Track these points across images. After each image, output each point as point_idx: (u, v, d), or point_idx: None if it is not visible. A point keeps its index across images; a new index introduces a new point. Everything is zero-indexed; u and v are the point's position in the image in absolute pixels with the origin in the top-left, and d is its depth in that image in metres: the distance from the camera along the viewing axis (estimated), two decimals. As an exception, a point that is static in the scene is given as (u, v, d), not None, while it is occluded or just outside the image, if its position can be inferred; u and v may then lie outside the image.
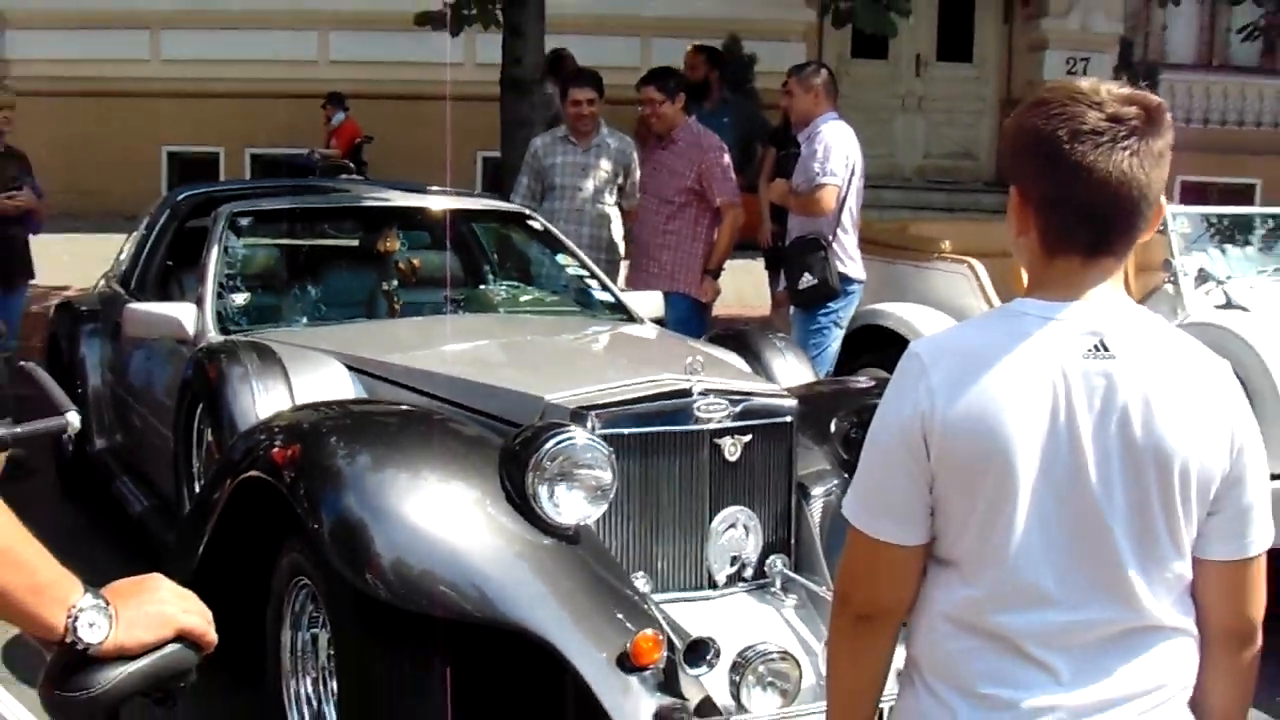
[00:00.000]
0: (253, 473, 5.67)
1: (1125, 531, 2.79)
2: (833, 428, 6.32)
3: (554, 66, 13.99)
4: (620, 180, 10.67)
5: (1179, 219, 9.10)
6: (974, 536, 2.82)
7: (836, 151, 9.92)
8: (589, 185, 10.54)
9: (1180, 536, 2.82)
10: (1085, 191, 2.76)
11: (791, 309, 10.54)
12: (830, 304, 10.03)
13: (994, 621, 2.82)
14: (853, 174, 10.06)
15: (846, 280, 10.05)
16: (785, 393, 6.27)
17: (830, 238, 9.98)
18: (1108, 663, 2.82)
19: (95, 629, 2.40)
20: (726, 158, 10.75)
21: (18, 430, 3.82)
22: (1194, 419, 2.79)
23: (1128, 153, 2.75)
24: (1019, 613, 2.81)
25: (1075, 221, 2.82)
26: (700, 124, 11.18)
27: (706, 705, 5.04)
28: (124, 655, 2.44)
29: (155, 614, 2.50)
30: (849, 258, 10.10)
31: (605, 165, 10.59)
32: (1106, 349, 2.78)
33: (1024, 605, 2.81)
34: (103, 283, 9.75)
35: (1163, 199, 2.85)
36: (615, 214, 10.71)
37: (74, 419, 3.97)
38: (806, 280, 9.95)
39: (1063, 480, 2.78)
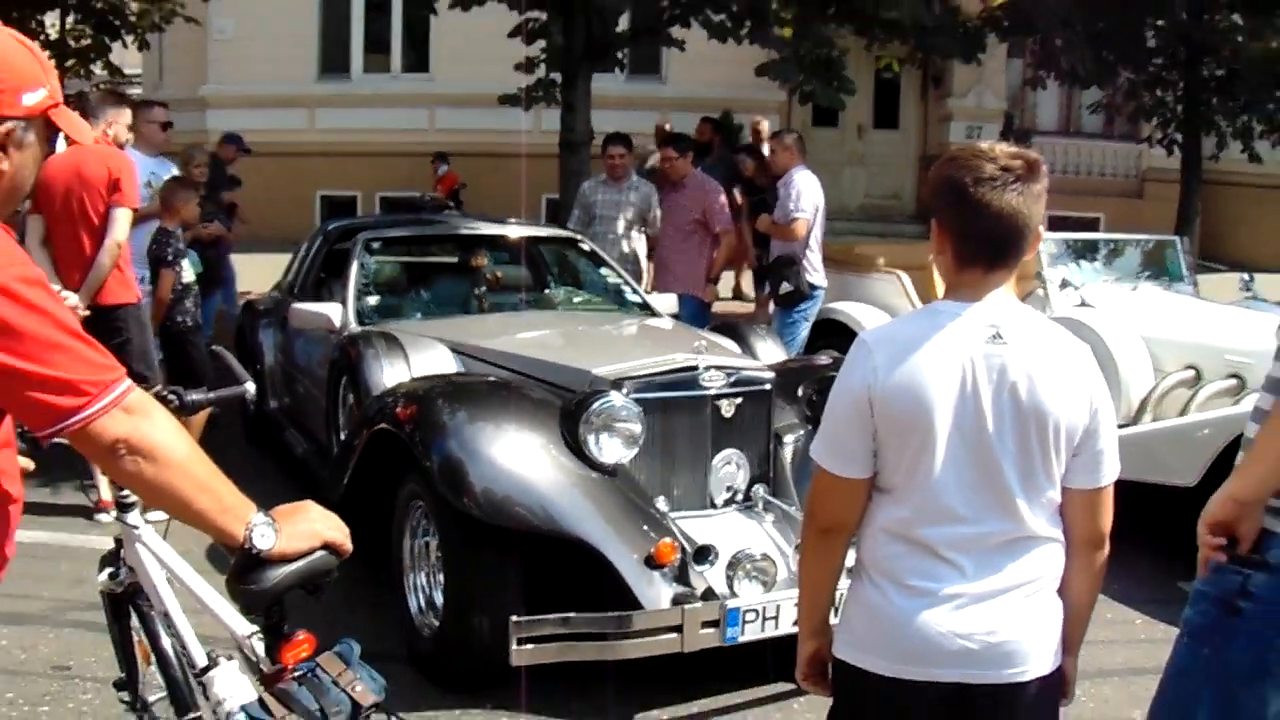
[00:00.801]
0: (382, 425, 5.70)
1: (1013, 469, 2.81)
2: (800, 393, 6.31)
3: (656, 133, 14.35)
4: (645, 213, 10.65)
5: (1046, 242, 9.06)
6: (904, 472, 2.83)
7: (806, 194, 9.98)
8: (622, 217, 10.54)
9: (1053, 472, 2.85)
10: (985, 222, 2.77)
11: (772, 308, 10.57)
12: (802, 305, 10.08)
13: (918, 533, 2.83)
14: (817, 210, 10.09)
15: (813, 287, 10.10)
16: (765, 367, 6.25)
17: (802, 256, 10.02)
18: (1000, 562, 2.84)
19: (265, 539, 2.44)
20: (723, 198, 10.85)
21: (211, 396, 3.81)
22: (1063, 388, 2.81)
23: (1015, 193, 2.76)
24: (936, 527, 2.82)
25: (978, 244, 2.82)
26: (703, 173, 11.22)
27: (709, 593, 5.06)
28: (285, 559, 2.48)
29: (307, 529, 2.54)
30: (815, 270, 10.12)
31: (634, 202, 10.58)
32: (1002, 337, 2.79)
33: (940, 521, 2.82)
34: (275, 290, 9.75)
35: (1041, 227, 2.85)
36: (641, 238, 10.71)
37: (250, 388, 3.96)
38: (785, 287, 10.02)
39: (969, 432, 2.78)
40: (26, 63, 2.37)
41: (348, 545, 2.59)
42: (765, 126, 16.14)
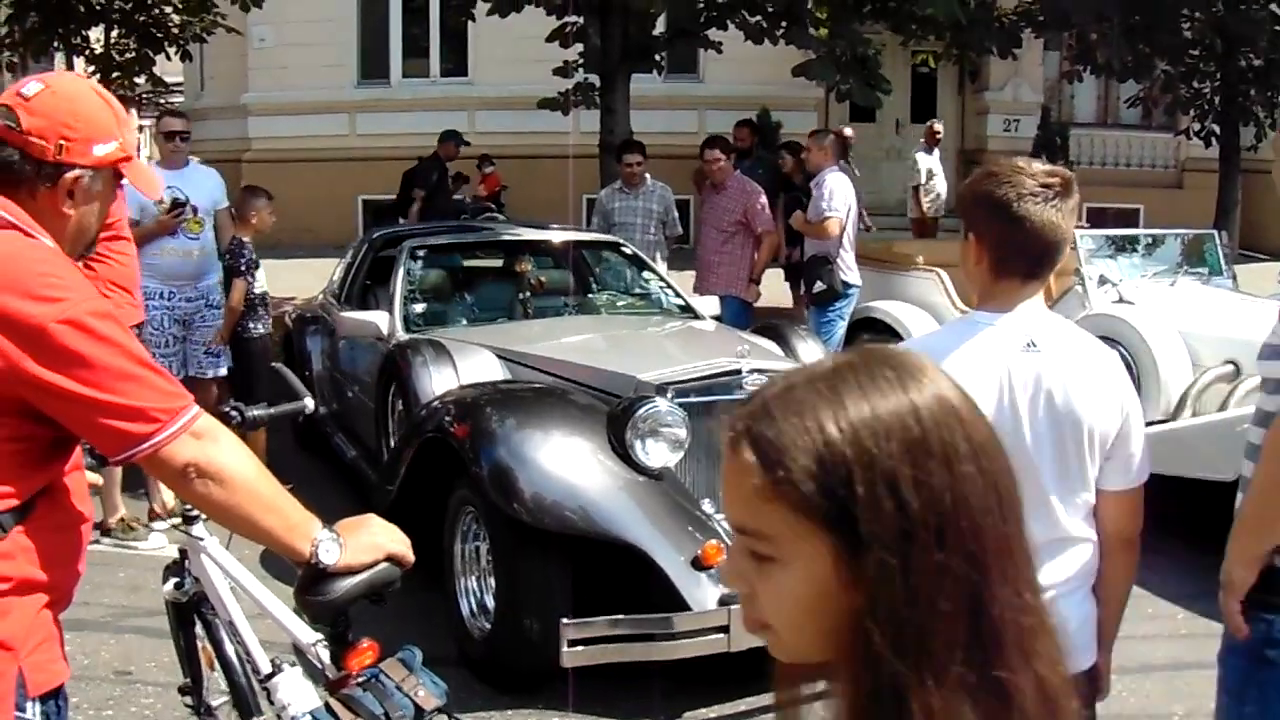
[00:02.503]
0: (432, 433, 5.78)
1: (1049, 473, 2.87)
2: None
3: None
4: (663, 216, 10.74)
5: (1084, 238, 9.05)
6: (942, 479, 2.86)
7: (838, 194, 9.97)
8: (639, 221, 10.60)
9: (1087, 475, 2.91)
10: (1027, 235, 2.83)
11: (808, 307, 10.59)
12: (836, 303, 10.05)
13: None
14: (849, 209, 10.10)
15: (848, 285, 10.07)
16: (806, 369, 6.28)
17: (835, 255, 10.01)
18: (1036, 563, 2.86)
19: (330, 553, 2.52)
20: (764, 198, 10.82)
21: (271, 411, 3.91)
22: (1095, 395, 2.87)
23: (1054, 209, 2.82)
24: (973, 531, 2.85)
25: (1016, 256, 2.88)
26: (743, 175, 11.26)
27: (754, 592, 5.09)
28: (350, 571, 2.56)
29: (370, 543, 2.62)
30: (849, 269, 10.11)
31: (651, 206, 10.64)
32: (1036, 346, 2.86)
33: (976, 525, 2.85)
34: (321, 296, 9.82)
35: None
36: (660, 239, 10.79)
37: (309, 404, 4.06)
38: (819, 286, 10.01)
39: (1007, 438, 2.78)
40: (102, 115, 2.48)
41: (410, 557, 2.67)
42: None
